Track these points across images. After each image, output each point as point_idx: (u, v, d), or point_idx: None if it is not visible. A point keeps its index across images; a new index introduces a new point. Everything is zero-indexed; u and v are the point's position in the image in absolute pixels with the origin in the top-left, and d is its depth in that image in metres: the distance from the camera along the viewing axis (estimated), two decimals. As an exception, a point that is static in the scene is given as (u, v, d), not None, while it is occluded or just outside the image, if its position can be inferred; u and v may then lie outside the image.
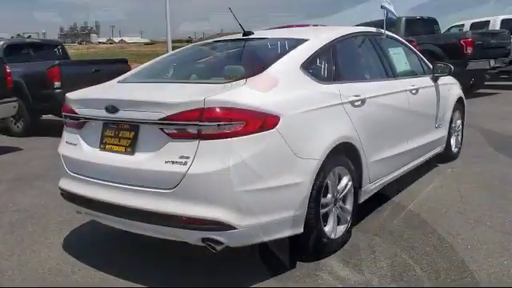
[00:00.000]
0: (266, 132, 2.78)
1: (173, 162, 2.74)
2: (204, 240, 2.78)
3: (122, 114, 2.96)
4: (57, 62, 8.83)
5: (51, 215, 4.48)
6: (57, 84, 8.66)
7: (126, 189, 2.92)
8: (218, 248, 2.79)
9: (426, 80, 4.94)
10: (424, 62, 5.14)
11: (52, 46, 11.07)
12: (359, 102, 3.59)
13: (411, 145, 4.47)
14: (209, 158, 2.67)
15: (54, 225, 4.23)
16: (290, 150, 2.89)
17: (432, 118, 4.98)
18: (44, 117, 9.88)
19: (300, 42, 3.52)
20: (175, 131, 2.76)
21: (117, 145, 3.03)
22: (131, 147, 2.96)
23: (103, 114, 3.05)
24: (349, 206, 3.52)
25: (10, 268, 3.39)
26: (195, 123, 2.69)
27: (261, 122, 2.76)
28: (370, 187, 3.83)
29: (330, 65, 3.56)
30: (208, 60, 4.02)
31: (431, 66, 5.16)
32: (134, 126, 2.95)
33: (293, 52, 3.35)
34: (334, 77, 3.55)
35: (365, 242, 3.55)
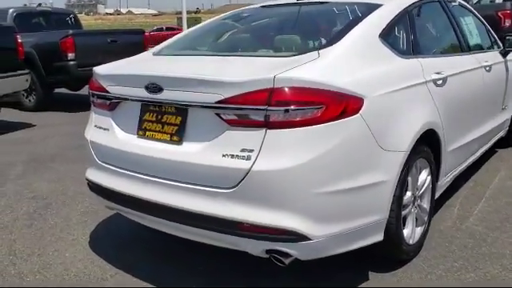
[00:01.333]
0: (348, 118, 2.22)
1: (232, 156, 2.19)
2: (269, 252, 2.26)
3: (167, 95, 2.40)
4: (70, 31, 8.23)
5: (72, 204, 3.99)
6: (71, 55, 8.09)
7: (171, 186, 2.39)
8: (287, 261, 2.28)
9: (497, 55, 4.33)
10: (492, 34, 4.51)
11: (64, 15, 10.47)
12: (441, 81, 3.01)
13: (481, 130, 3.90)
14: (278, 152, 2.13)
15: (77, 217, 3.73)
16: (375, 140, 2.34)
17: (500, 99, 4.38)
18: (56, 90, 9.36)
19: (373, 7, 2.91)
20: (235, 117, 2.21)
21: (159, 131, 2.49)
22: (178, 135, 2.41)
23: (142, 93, 2.50)
24: (426, 204, 2.98)
25: (31, 272, 2.90)
26: (262, 107, 2.13)
27: (343, 105, 2.20)
28: (444, 181, 3.28)
29: (408, 35, 2.96)
30: (259, 29, 3.41)
31: (497, 39, 4.54)
32: (182, 110, 2.40)
33: (369, 18, 2.75)
34: (413, 49, 2.96)
35: (442, 247, 3.02)
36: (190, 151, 2.35)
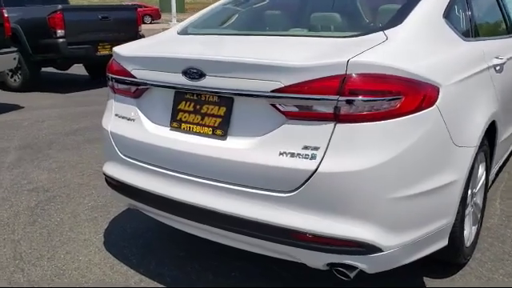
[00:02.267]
0: (426, 111, 1.92)
1: (292, 155, 1.88)
2: (332, 265, 1.97)
3: (210, 82, 2.06)
4: (59, 6, 7.69)
5: (78, 198, 3.63)
6: (60, 32, 7.59)
7: (213, 186, 2.07)
8: (352, 275, 1.99)
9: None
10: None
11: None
12: (499, 67, 2.73)
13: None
14: (350, 151, 1.82)
15: (85, 212, 3.38)
16: (449, 136, 2.05)
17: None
18: (43, 69, 8.84)
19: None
20: (296, 109, 1.89)
21: (199, 124, 2.15)
22: (222, 129, 2.08)
23: (178, 79, 2.15)
24: (480, 200, 2.73)
25: (43, 278, 2.57)
26: (332, 98, 1.81)
27: (421, 95, 1.90)
28: (492, 174, 3.03)
29: (467, 15, 2.66)
30: (298, 4, 3.03)
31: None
32: (227, 99, 2.07)
33: (429, -5, 2.42)
34: (474, 31, 2.66)
35: (496, 248, 2.78)
36: (236, 147, 2.02)
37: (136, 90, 2.38)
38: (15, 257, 2.79)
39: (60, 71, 9.19)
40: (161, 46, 2.51)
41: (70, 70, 9.28)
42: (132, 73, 2.36)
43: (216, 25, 2.85)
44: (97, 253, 2.83)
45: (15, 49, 6.71)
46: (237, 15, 2.98)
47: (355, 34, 2.14)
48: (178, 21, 15.64)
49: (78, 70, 9.51)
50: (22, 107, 6.97)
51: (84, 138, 5.26)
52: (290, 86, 1.86)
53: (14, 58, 6.61)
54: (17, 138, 5.32)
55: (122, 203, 2.66)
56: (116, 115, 2.50)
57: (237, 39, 2.37)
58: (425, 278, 2.49)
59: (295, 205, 1.89)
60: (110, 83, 2.55)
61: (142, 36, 9.21)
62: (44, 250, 2.86)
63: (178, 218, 2.29)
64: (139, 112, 2.38)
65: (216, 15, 2.97)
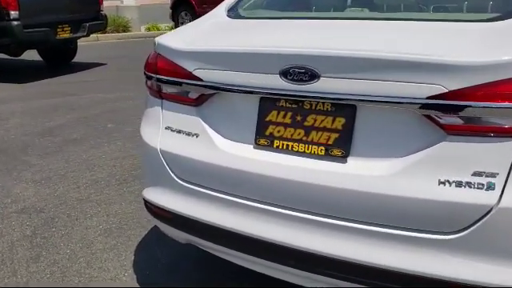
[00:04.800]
0: None
1: (459, 184, 1.38)
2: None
3: (324, 85, 1.52)
4: (11, -17, 6.71)
5: (83, 219, 2.99)
6: (13, 14, 6.64)
7: (328, 225, 1.55)
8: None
9: None
10: None
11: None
12: None
13: None
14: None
15: (100, 239, 2.75)
16: None
17: None
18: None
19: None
20: (462, 121, 1.39)
21: (302, 141, 1.61)
22: (341, 147, 1.55)
23: (271, 82, 1.59)
24: None
25: None
26: (513, 107, 1.33)
27: None
28: None
29: None
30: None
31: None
32: (347, 108, 1.54)
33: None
34: None
35: None
36: (365, 173, 1.50)
37: (200, 97, 1.79)
38: (28, 312, 2.18)
39: (11, 57, 8.15)
40: (235, 35, 1.91)
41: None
42: (195, 74, 1.76)
43: (276, 6, 2.26)
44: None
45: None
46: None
47: (492, 17, 1.64)
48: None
49: (30, 54, 8.50)
50: (-23, 102, 6.05)
51: (63, 138, 4.53)
52: (456, 90, 1.36)
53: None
54: (-19, 141, 4.51)
55: (176, 238, 2.08)
56: (167, 128, 1.90)
57: (345, 25, 1.80)
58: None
59: (460, 249, 1.41)
60: (154, 86, 1.94)
61: (104, 16, 8.34)
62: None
63: (263, 261, 1.76)
64: (204, 124, 1.80)
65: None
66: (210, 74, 1.74)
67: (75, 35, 7.72)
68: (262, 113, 1.68)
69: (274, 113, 1.66)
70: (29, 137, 4.59)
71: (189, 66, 1.78)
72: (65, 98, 6.12)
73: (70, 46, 8.35)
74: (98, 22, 8.09)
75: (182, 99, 1.85)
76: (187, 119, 1.84)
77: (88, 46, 10.12)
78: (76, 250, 2.66)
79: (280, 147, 1.65)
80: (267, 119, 1.67)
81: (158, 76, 1.90)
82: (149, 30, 13.50)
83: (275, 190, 1.64)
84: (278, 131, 1.66)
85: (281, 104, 1.65)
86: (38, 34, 6.91)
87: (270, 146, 1.67)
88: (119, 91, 6.36)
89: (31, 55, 8.48)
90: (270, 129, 1.67)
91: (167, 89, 1.89)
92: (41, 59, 8.76)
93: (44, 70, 8.20)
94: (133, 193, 3.32)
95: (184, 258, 2.53)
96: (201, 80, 1.76)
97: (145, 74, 2.00)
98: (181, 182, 1.87)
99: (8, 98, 6.20)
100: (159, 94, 1.93)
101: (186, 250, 2.54)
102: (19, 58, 8.16)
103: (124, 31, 12.96)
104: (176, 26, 12.81)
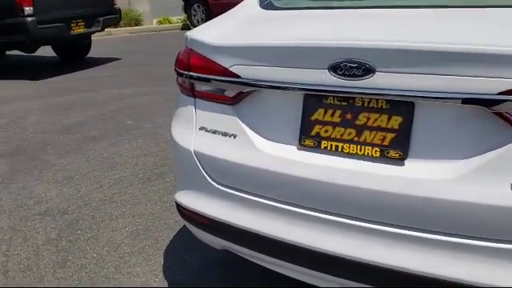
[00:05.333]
0: None
1: (537, 187, 1.26)
2: None
3: (380, 80, 1.39)
4: (25, -21, 6.62)
5: (108, 220, 2.90)
6: (27, 10, 6.55)
7: (386, 234, 1.43)
8: None
9: None
10: None
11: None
12: None
13: None
14: None
15: (126, 242, 2.66)
16: None
17: None
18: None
19: None
20: (537, 120, 1.26)
21: (353, 141, 1.48)
22: (398, 148, 1.42)
23: (318, 77, 1.46)
24: None
25: None
26: None
27: None
28: None
29: None
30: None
31: None
32: (404, 105, 1.40)
33: None
34: None
35: None
36: (427, 177, 1.37)
37: (237, 95, 1.67)
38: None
39: (25, 54, 8.10)
40: (270, 28, 1.78)
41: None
42: (232, 70, 1.64)
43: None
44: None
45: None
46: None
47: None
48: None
49: (44, 50, 8.43)
50: (-7, 100, 5.99)
51: (82, 135, 4.44)
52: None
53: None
54: (1, 141, 4.44)
55: (210, 244, 1.97)
56: (202, 129, 1.78)
57: (389, 14, 1.65)
58: None
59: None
60: (186, 83, 1.82)
61: (118, 10, 8.24)
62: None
63: (308, 271, 1.64)
64: (242, 124, 1.68)
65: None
66: (248, 71, 1.62)
67: (90, 30, 7.63)
68: (307, 111, 1.56)
69: (321, 111, 1.53)
70: (47, 135, 4.51)
71: (225, 62, 1.66)
72: (81, 94, 6.04)
73: (85, 41, 8.27)
74: (112, 16, 7.98)
75: (217, 97, 1.73)
76: (223, 119, 1.72)
77: (101, 41, 10.04)
78: (103, 253, 2.57)
79: (328, 148, 1.52)
80: (313, 118, 1.55)
81: (190, 73, 1.78)
82: (160, 23, 13.40)
83: (322, 195, 1.52)
84: (326, 131, 1.53)
85: (328, 101, 1.52)
86: (53, 29, 6.82)
87: (316, 147, 1.54)
88: (135, 87, 6.27)
89: (45, 51, 8.42)
90: (317, 128, 1.54)
91: (201, 87, 1.77)
92: (55, 55, 8.70)
93: (58, 66, 8.14)
94: (157, 192, 3.23)
95: (215, 261, 2.43)
96: (239, 77, 1.63)
97: (176, 71, 1.88)
98: (217, 186, 1.76)
99: (24, 96, 6.13)
100: (192, 93, 1.81)
101: (217, 252, 2.44)
102: (33, 54, 8.10)
103: (136, 25, 12.88)
104: (188, 18, 12.69)
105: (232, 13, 2.05)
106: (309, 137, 1.56)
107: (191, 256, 2.49)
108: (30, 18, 6.52)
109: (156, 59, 8.09)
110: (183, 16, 13.14)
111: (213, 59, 1.70)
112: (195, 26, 12.41)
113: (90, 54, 8.64)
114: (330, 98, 1.51)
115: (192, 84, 1.80)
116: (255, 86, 1.62)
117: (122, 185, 3.36)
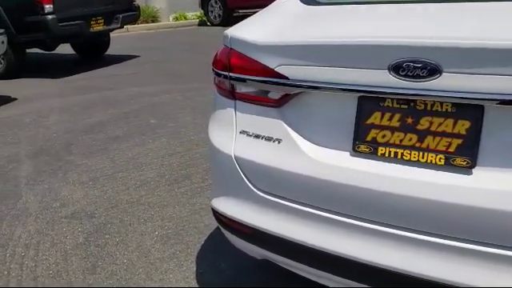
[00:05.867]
0: None
1: None
2: None
3: (446, 82, 1.27)
4: (45, -23, 6.59)
5: (136, 224, 2.82)
6: (48, 7, 6.52)
7: (450, 249, 1.31)
8: None
9: None
10: None
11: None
12: None
13: None
14: None
15: (157, 247, 2.58)
16: None
17: None
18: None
19: None
20: None
21: (414, 148, 1.37)
22: (465, 155, 1.30)
23: (375, 78, 1.36)
24: None
25: None
26: None
27: None
28: None
29: None
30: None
31: None
32: (473, 109, 1.29)
33: None
34: None
35: None
36: (499, 188, 1.25)
37: (283, 97, 1.56)
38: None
39: (43, 52, 8.08)
40: (318, 25, 1.66)
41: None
42: (278, 71, 1.54)
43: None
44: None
45: (2, 30, 5.65)
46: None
47: None
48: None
49: (63, 48, 8.41)
50: (15, 99, 5.96)
51: (106, 135, 4.38)
52: None
53: (2, 42, 5.56)
54: (23, 140, 4.39)
55: (249, 253, 1.88)
56: (243, 133, 1.68)
57: (451, 8, 1.53)
58: None
59: None
60: (227, 85, 1.72)
61: (137, 7, 8.17)
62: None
63: (359, 285, 1.54)
64: (287, 128, 1.57)
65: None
66: (296, 71, 1.51)
67: (109, 27, 7.58)
68: (362, 114, 1.44)
69: (378, 114, 1.42)
70: (71, 135, 4.45)
71: (270, 62, 1.55)
72: (102, 92, 5.99)
73: (104, 39, 8.24)
74: (132, 13, 7.93)
75: (260, 99, 1.62)
76: (267, 122, 1.61)
77: (119, 38, 10.01)
78: (133, 259, 2.49)
79: (386, 155, 1.41)
80: (368, 122, 1.43)
81: (231, 74, 1.68)
82: (176, 19, 13.33)
83: (379, 206, 1.41)
84: (383, 136, 1.42)
85: (386, 104, 1.40)
86: (73, 27, 6.78)
87: (373, 154, 1.43)
88: (155, 84, 6.20)
89: (64, 49, 8.41)
90: (373, 133, 1.43)
91: (242, 88, 1.67)
92: (74, 52, 8.67)
93: (78, 64, 8.12)
94: (185, 194, 3.14)
95: (251, 268, 2.33)
96: (286, 78, 1.52)
97: (213, 71, 1.78)
98: (260, 194, 1.65)
99: (45, 94, 6.10)
100: (232, 94, 1.71)
101: (253, 258, 2.35)
102: (52, 52, 8.08)
103: (153, 21, 12.83)
104: (205, 14, 12.60)
105: (271, 9, 1.94)
106: (364, 142, 1.44)
107: (224, 262, 2.40)
108: (50, 16, 6.49)
109: (174, 56, 8.03)
110: (199, 12, 13.06)
111: (256, 59, 1.59)
112: (212, 23, 12.46)
113: (109, 52, 8.61)
114: (389, 100, 1.40)
115: (232, 85, 1.70)
116: (303, 87, 1.51)
117: (149, 186, 3.29)
